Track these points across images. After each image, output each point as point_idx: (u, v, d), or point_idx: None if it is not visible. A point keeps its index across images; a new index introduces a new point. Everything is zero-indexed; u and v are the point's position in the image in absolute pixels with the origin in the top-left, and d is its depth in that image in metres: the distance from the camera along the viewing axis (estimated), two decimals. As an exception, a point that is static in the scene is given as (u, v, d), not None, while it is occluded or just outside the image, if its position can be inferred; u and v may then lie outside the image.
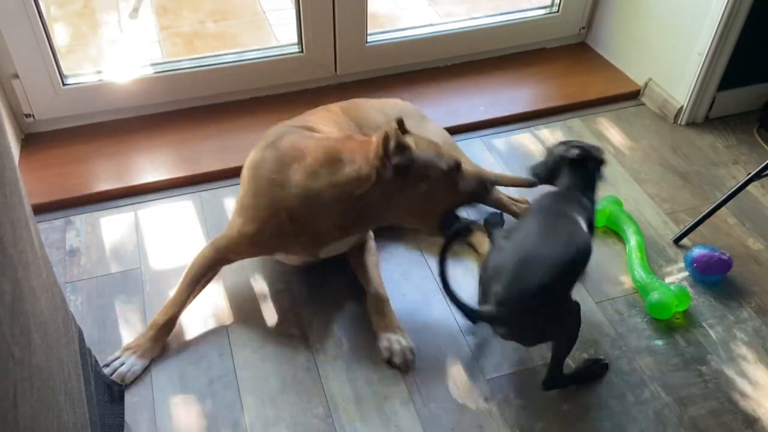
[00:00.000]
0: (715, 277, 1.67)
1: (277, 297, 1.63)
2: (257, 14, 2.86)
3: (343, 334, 1.55)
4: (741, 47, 2.02)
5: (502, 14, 2.43)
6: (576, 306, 1.34)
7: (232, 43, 2.67)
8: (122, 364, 1.43)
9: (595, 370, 1.47)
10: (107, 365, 1.43)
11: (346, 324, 1.57)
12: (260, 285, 1.66)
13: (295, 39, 2.15)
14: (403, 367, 1.48)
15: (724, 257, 1.66)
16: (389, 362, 1.48)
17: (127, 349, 1.46)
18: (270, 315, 1.59)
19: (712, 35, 1.97)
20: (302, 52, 2.14)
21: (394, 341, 1.49)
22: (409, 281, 1.68)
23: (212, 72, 2.12)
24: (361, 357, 1.51)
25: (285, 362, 1.49)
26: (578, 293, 1.64)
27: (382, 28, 2.35)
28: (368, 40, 2.19)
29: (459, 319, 1.59)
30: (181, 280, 1.53)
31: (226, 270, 1.67)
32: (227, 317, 1.58)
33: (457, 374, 1.48)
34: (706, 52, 2.01)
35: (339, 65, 2.19)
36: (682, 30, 2.08)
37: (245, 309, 1.60)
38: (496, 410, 1.41)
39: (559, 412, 1.41)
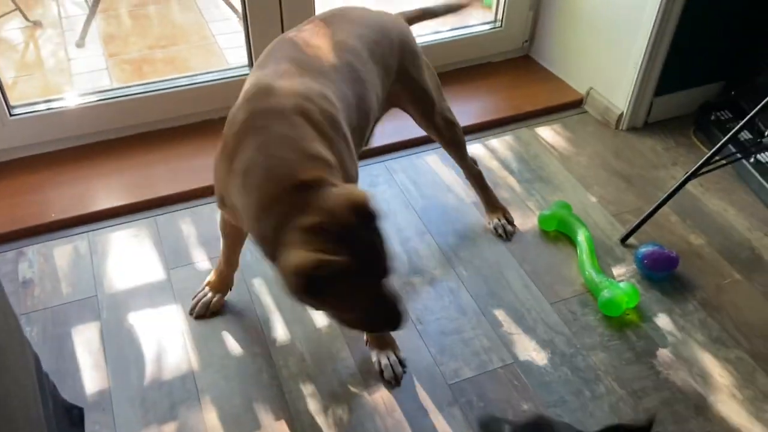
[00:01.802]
0: (664, 273, 1.75)
1: (238, 316, 1.63)
2: (206, 38, 2.87)
3: (306, 350, 1.56)
4: (673, 55, 2.13)
5: (449, 30, 2.51)
6: None
7: (183, 68, 2.67)
8: (205, 295, 1.61)
9: None
10: (195, 297, 1.63)
11: (308, 340, 1.58)
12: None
13: (245, 61, 2.18)
14: (392, 381, 1.49)
15: (671, 254, 1.74)
16: (381, 375, 1.50)
17: (207, 284, 1.63)
18: (232, 334, 1.59)
19: (646, 45, 2.07)
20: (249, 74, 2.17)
21: (382, 356, 1.51)
22: (369, 293, 1.70)
23: (164, 96, 2.12)
24: (325, 372, 1.52)
25: (249, 381, 1.49)
26: (532, 294, 1.70)
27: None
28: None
29: (419, 328, 1.62)
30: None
31: (184, 291, 1.67)
32: (188, 339, 1.58)
33: (419, 381, 1.50)
34: (641, 61, 2.11)
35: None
36: (618, 41, 2.18)
37: (206, 330, 1.60)
38: (459, 414, 1.44)
39: (520, 411, 1.45)
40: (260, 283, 1.71)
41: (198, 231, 1.85)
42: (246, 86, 1.34)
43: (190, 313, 1.62)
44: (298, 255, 1.05)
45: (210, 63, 2.72)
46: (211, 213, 1.90)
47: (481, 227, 1.90)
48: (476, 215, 1.93)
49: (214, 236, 1.83)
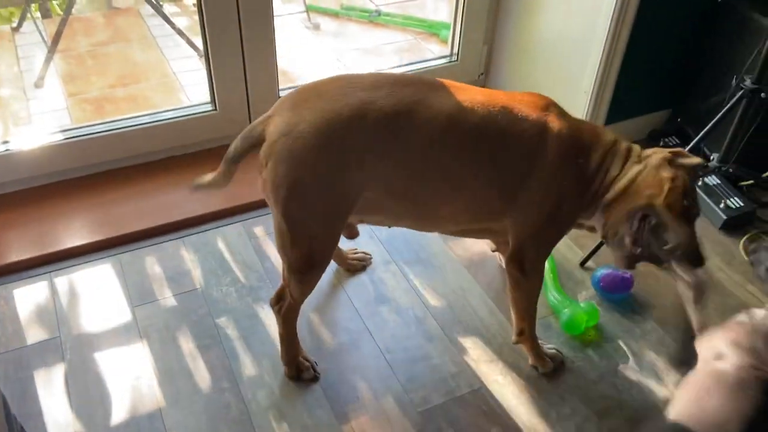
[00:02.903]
0: (620, 294, 1.81)
1: (204, 352, 1.62)
2: (168, 76, 2.89)
3: (275, 383, 1.56)
4: (621, 84, 2.23)
5: (407, 65, 2.58)
6: None
7: (145, 106, 2.68)
8: None
9: None
10: None
11: (276, 373, 1.58)
12: (187, 342, 1.65)
13: (207, 98, 2.20)
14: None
15: (626, 276, 1.80)
16: None
17: None
18: (199, 371, 1.58)
19: (595, 74, 2.17)
20: (216, 109, 2.19)
21: None
22: (337, 322, 1.71)
23: (127, 134, 2.12)
24: (294, 404, 1.52)
25: (217, 417, 1.48)
26: (497, 319, 1.73)
27: (292, 83, 2.44)
28: (280, 95, 2.27)
29: (387, 356, 1.63)
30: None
31: (150, 328, 1.66)
32: (155, 376, 1.56)
33: (389, 410, 1.52)
34: (591, 91, 2.21)
35: (253, 120, 2.25)
36: (569, 71, 2.28)
37: (173, 367, 1.58)
38: (429, 441, 1.46)
39: (489, 435, 1.47)
40: (227, 319, 1.71)
41: (163, 267, 1.84)
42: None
43: None
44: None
45: (172, 100, 2.74)
46: (176, 249, 1.90)
47: (445, 256, 1.93)
48: (439, 243, 1.97)
49: (179, 272, 1.83)
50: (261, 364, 1.60)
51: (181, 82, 2.84)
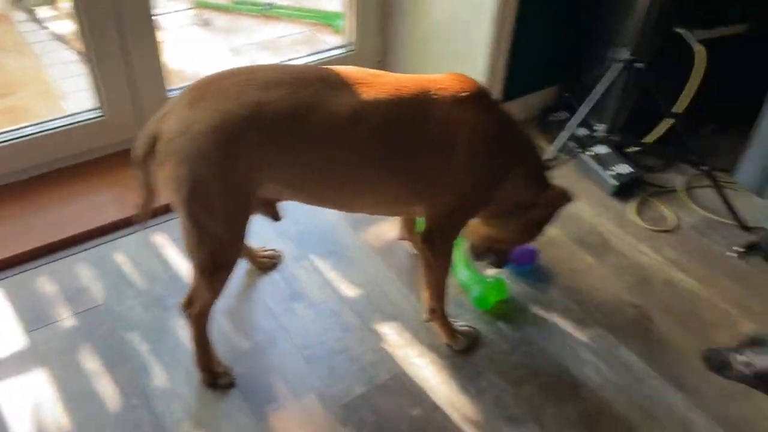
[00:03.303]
0: (526, 266, 1.87)
1: (112, 370, 1.55)
2: (47, 84, 2.71)
3: (189, 393, 1.51)
4: (512, 64, 2.30)
5: (306, 56, 2.55)
6: None
7: (26, 117, 2.50)
8: None
9: None
10: None
11: (190, 382, 1.53)
12: (92, 362, 1.56)
13: (93, 104, 2.09)
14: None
15: (531, 248, 1.87)
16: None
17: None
18: (107, 390, 1.51)
19: (487, 57, 2.23)
20: (103, 115, 2.08)
21: None
22: (251, 323, 1.68)
23: (9, 148, 1.98)
24: (212, 412, 1.48)
25: (131, 436, 1.42)
26: (411, 304, 1.75)
27: (187, 83, 2.34)
28: (170, 96, 2.18)
29: (305, 353, 1.62)
30: None
31: (52, 352, 1.57)
32: (59, 401, 1.47)
33: (311, 406, 1.50)
34: (485, 70, 2.26)
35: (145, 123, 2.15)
36: (464, 52, 2.32)
37: (78, 391, 1.50)
38: (353, 432, 1.46)
39: (410, 417, 1.49)
40: (134, 333, 1.63)
41: (59, 287, 1.74)
42: None
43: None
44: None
45: (54, 109, 2.57)
46: (70, 266, 1.79)
47: (357, 246, 1.93)
48: (351, 235, 1.97)
49: (77, 290, 1.73)
50: (173, 375, 1.55)
51: (62, 89, 2.67)
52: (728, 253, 1.97)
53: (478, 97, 1.41)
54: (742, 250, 1.96)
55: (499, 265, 1.73)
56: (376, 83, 1.35)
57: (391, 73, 1.41)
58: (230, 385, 1.53)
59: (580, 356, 1.65)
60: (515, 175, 1.51)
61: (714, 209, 2.11)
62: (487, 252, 1.69)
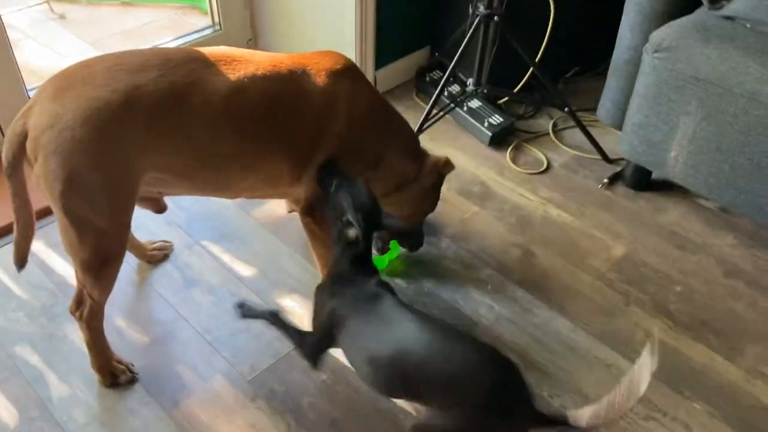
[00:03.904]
0: None
1: (3, 386, 1.48)
2: None
3: (90, 397, 1.47)
4: (381, 30, 2.34)
5: (173, 39, 2.47)
6: None
7: None
8: None
9: None
10: None
11: (90, 386, 1.49)
12: (-21, 383, 1.49)
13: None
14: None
15: None
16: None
17: None
18: (2, 406, 1.44)
19: (354, 23, 2.25)
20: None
21: None
22: (147, 318, 1.65)
23: None
24: (116, 411, 1.45)
25: (33, 449, 1.37)
26: (310, 272, 1.78)
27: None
28: (30, 95, 2.06)
29: (207, 337, 1.61)
30: None
31: (-70, 382, 1.47)
32: (-53, 431, 1.40)
33: (219, 387, 1.51)
34: (354, 40, 2.29)
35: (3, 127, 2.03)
36: (332, 24, 2.34)
37: (-32, 414, 1.43)
38: (264, 404, 1.48)
39: (319, 382, 1.53)
40: (22, 346, 1.56)
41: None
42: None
43: None
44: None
45: None
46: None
47: (248, 225, 1.93)
48: (241, 215, 1.96)
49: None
50: (70, 382, 1.50)
51: None
52: (597, 186, 2.13)
53: (350, 71, 1.45)
54: (607, 181, 2.13)
55: (415, 246, 1.77)
56: (251, 60, 1.35)
57: (265, 52, 1.41)
58: (132, 381, 1.51)
59: (473, 297, 1.74)
60: (393, 150, 1.56)
61: (581, 147, 2.27)
62: (398, 237, 1.74)
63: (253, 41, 2.63)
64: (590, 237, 1.94)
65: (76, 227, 1.27)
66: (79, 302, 1.42)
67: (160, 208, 1.56)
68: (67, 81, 1.23)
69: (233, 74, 1.31)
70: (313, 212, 1.51)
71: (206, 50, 1.34)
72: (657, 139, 1.88)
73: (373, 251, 1.76)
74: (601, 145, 2.22)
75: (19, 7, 3.04)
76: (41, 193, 1.25)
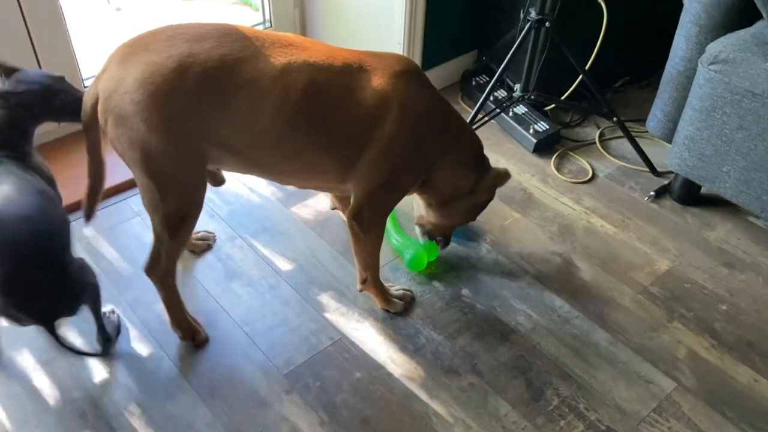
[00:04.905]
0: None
1: (48, 366, 1.53)
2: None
3: (131, 381, 1.51)
4: (430, 32, 2.34)
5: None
6: (81, 261, 1.40)
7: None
8: None
9: (114, 320, 1.60)
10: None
11: (131, 369, 1.53)
12: (27, 361, 1.54)
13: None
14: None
15: None
16: None
17: None
18: (45, 387, 1.49)
19: (403, 25, 2.26)
20: None
21: None
22: (189, 307, 1.68)
23: None
24: (155, 396, 1.48)
25: (72, 427, 1.41)
26: (348, 271, 1.79)
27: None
28: (86, 85, 2.13)
29: (245, 329, 1.64)
30: None
31: (-19, 356, 1.53)
32: (-5, 405, 1.45)
33: (255, 380, 1.53)
34: (403, 41, 2.30)
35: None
36: (380, 25, 2.35)
37: (15, 391, 1.48)
38: (299, 399, 1.49)
39: (354, 380, 1.53)
40: (69, 328, 1.61)
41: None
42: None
43: None
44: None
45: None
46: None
47: (289, 221, 1.95)
48: (282, 209, 1.98)
49: None
50: (112, 365, 1.54)
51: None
52: (642, 198, 2.09)
53: (410, 73, 1.41)
54: (654, 194, 2.08)
55: (445, 244, 1.78)
56: (308, 48, 1.35)
57: (327, 44, 1.41)
58: (206, 340, 1.58)
59: (511, 305, 1.73)
60: (450, 161, 1.52)
61: (628, 158, 2.23)
62: (435, 235, 1.74)
63: (302, 39, 2.65)
64: (634, 250, 1.91)
65: (157, 185, 1.33)
66: (155, 261, 1.48)
67: (217, 180, 1.59)
68: (132, 48, 1.29)
69: (285, 57, 1.31)
70: (361, 216, 1.51)
71: (268, 32, 1.36)
72: (709, 153, 1.83)
73: (421, 241, 1.76)
74: (649, 156, 2.17)
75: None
76: (118, 155, 1.32)
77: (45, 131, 2.03)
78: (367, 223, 1.52)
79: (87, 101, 1.32)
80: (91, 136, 1.36)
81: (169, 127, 1.27)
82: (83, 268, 1.39)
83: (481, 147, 1.60)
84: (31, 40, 1.93)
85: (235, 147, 1.37)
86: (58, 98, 1.41)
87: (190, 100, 1.26)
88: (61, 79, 1.45)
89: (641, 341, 1.65)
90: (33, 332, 1.59)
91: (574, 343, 1.63)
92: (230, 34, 1.30)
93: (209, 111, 1.29)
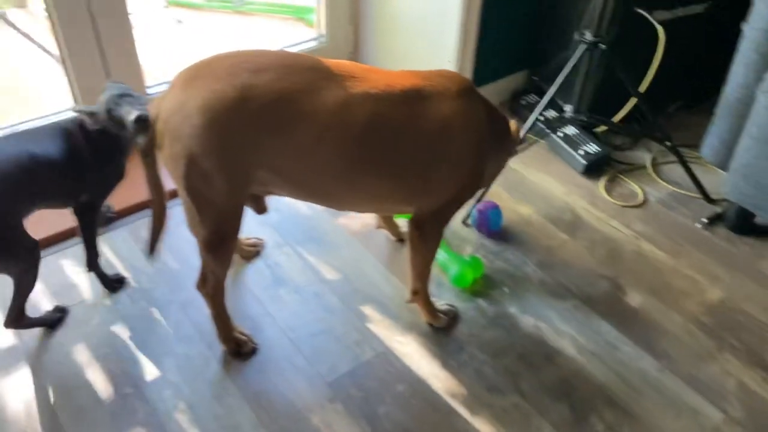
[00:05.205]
0: (493, 215, 1.96)
1: (102, 362, 1.58)
2: (22, 85, 2.71)
3: (180, 380, 1.55)
4: (480, 51, 2.36)
5: (279, 48, 2.58)
6: (31, 243, 1.49)
7: (1, 119, 2.50)
8: None
9: (58, 316, 1.65)
10: None
11: (180, 369, 1.57)
12: (81, 355, 1.59)
13: (69, 105, 2.10)
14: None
15: (488, 202, 1.99)
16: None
17: None
18: (98, 381, 1.54)
19: (456, 43, 2.28)
20: (81, 115, 2.10)
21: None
22: (237, 311, 1.72)
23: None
24: (202, 397, 1.52)
25: (123, 424, 1.45)
26: (392, 284, 1.81)
27: (164, 81, 2.37)
28: (149, 93, 2.21)
29: (290, 335, 1.66)
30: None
31: (41, 348, 1.60)
32: (51, 394, 1.50)
33: (299, 385, 1.55)
34: (454, 59, 2.32)
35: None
36: (433, 42, 2.38)
37: (69, 383, 1.53)
38: (341, 408, 1.51)
39: (396, 393, 1.54)
40: (122, 326, 1.67)
41: (45, 283, 1.76)
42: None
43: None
44: None
45: (30, 110, 2.58)
46: (57, 263, 1.82)
47: (336, 232, 1.98)
48: (329, 220, 2.02)
49: (63, 285, 1.76)
50: (163, 364, 1.58)
51: (38, 90, 2.68)
52: (694, 225, 2.05)
53: (468, 92, 1.44)
54: (707, 221, 2.04)
55: None
56: (367, 79, 1.36)
57: (381, 69, 1.42)
58: (253, 351, 1.62)
59: (556, 327, 1.71)
60: (502, 158, 1.61)
61: (680, 183, 2.20)
62: None
63: (354, 54, 2.70)
64: (685, 277, 1.87)
65: (197, 206, 1.37)
66: (204, 279, 1.52)
67: (261, 208, 1.62)
68: (196, 72, 1.32)
69: (345, 90, 1.33)
70: (423, 226, 1.53)
71: (328, 62, 1.37)
72: (765, 183, 1.79)
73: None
74: (702, 183, 2.13)
75: (141, 10, 3.26)
76: (168, 173, 1.36)
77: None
78: (428, 233, 1.55)
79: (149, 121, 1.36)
80: (151, 158, 1.38)
81: (222, 153, 1.30)
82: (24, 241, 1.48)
83: (515, 129, 1.65)
84: (102, 51, 2.02)
85: (290, 175, 1.40)
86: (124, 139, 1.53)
87: (248, 130, 1.30)
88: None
89: (690, 371, 1.61)
90: (91, 327, 1.65)
91: (621, 369, 1.61)
92: (291, 66, 1.33)
93: (266, 141, 1.32)
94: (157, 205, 1.48)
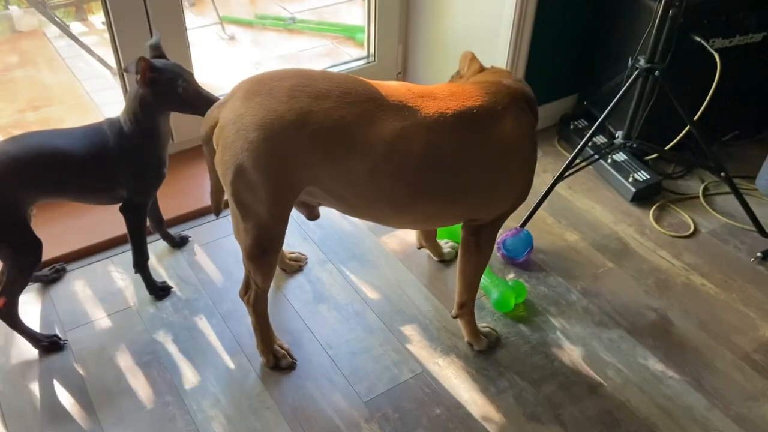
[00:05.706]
0: (520, 243, 1.91)
1: (144, 369, 1.61)
2: (80, 97, 2.81)
3: (219, 391, 1.56)
4: (530, 74, 2.35)
5: (329, 67, 2.62)
6: (35, 240, 1.54)
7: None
8: None
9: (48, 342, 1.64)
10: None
11: (220, 380, 1.59)
12: (125, 361, 1.62)
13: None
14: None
15: (516, 229, 1.95)
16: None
17: None
18: (140, 388, 1.56)
19: (505, 66, 2.28)
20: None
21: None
22: (278, 324, 1.73)
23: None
24: (240, 409, 1.53)
25: (163, 431, 1.47)
26: (433, 305, 1.79)
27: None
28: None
29: (330, 352, 1.66)
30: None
31: (86, 351, 1.63)
32: (93, 398, 1.53)
33: (336, 403, 1.55)
34: (503, 81, 2.31)
35: (175, 134, 2.24)
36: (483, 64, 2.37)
37: (112, 388, 1.56)
38: (377, 428, 1.49)
39: (433, 416, 1.52)
40: (165, 334, 1.69)
41: (93, 289, 1.81)
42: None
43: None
44: None
45: (88, 121, 2.66)
46: (105, 269, 1.87)
47: (378, 250, 1.98)
48: (372, 239, 2.02)
49: (110, 292, 1.80)
50: (203, 374, 1.60)
51: (96, 101, 2.77)
52: (747, 259, 1.98)
53: (516, 103, 1.43)
54: (761, 255, 1.97)
55: None
56: (420, 107, 1.36)
57: (434, 90, 1.41)
58: (291, 366, 1.62)
59: (600, 357, 1.67)
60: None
61: (733, 215, 2.13)
62: None
63: (402, 74, 2.72)
64: (736, 312, 1.81)
65: (241, 214, 1.40)
66: (246, 288, 1.55)
67: (314, 215, 1.64)
68: (258, 87, 1.35)
69: (400, 121, 1.33)
70: (479, 234, 1.54)
71: (384, 89, 1.37)
72: (826, 217, 1.72)
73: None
74: (757, 216, 2.06)
75: (196, 26, 3.36)
76: (219, 177, 1.40)
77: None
78: (483, 239, 1.55)
79: (207, 121, 1.41)
80: (209, 149, 1.44)
81: (271, 170, 1.32)
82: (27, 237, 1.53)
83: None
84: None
85: (341, 197, 1.42)
86: (180, 87, 1.55)
87: (302, 153, 1.32)
88: (183, 71, 1.58)
89: (740, 410, 1.55)
90: (135, 333, 1.68)
91: (667, 404, 1.56)
92: (349, 94, 1.33)
93: (317, 165, 1.34)
94: (214, 183, 1.56)
